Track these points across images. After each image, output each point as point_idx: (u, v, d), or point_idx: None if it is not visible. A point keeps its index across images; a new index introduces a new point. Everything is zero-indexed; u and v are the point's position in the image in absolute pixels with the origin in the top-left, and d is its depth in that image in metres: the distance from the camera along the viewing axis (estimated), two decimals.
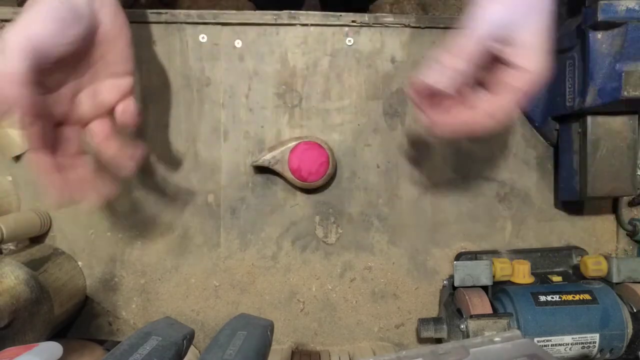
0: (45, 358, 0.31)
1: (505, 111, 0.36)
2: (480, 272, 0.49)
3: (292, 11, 0.52)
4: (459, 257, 0.54)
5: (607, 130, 0.48)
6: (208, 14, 0.51)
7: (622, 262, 0.50)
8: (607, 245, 0.56)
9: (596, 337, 0.45)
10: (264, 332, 0.33)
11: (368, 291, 0.54)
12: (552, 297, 0.47)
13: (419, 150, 0.54)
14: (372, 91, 0.54)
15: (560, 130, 0.52)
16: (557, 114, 0.51)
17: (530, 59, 0.34)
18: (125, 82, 0.40)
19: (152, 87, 0.52)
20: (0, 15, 0.50)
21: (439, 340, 0.52)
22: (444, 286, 0.54)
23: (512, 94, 0.35)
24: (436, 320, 0.50)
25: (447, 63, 0.35)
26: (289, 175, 0.50)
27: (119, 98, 0.40)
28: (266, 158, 0.50)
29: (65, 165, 0.37)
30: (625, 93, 0.43)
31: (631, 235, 0.56)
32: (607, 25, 0.43)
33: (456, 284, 0.50)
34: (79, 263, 0.52)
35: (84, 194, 0.38)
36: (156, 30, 0.52)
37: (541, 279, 0.52)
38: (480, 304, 0.47)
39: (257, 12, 0.52)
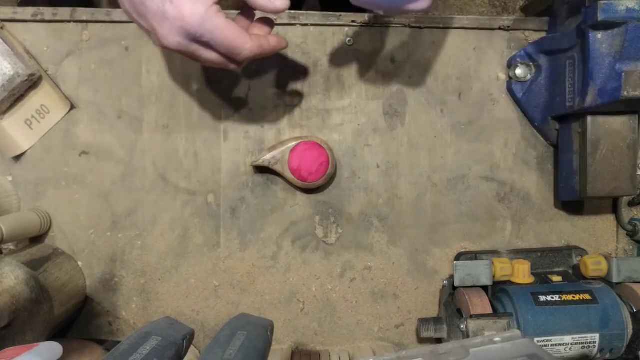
0: (45, 358, 0.31)
1: None
2: (480, 272, 0.49)
3: (292, 11, 0.52)
4: (459, 257, 0.54)
5: (607, 130, 0.48)
6: None
7: (622, 262, 0.50)
8: (607, 245, 0.56)
9: (596, 337, 0.45)
10: (264, 332, 0.33)
11: (368, 291, 0.54)
12: (552, 297, 0.47)
13: (419, 149, 0.54)
14: (372, 91, 0.54)
15: (560, 130, 0.52)
16: (557, 114, 0.51)
17: None
18: None
19: (152, 87, 0.52)
20: (0, 15, 0.50)
21: (439, 340, 0.52)
22: (444, 286, 0.54)
23: None
24: (436, 320, 0.50)
25: None
26: (289, 175, 0.50)
27: None
28: (266, 158, 0.50)
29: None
30: (625, 93, 0.43)
31: (631, 235, 0.56)
32: (607, 25, 0.43)
33: (456, 284, 0.50)
34: (79, 263, 0.52)
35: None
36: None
37: (541, 279, 0.52)
38: (480, 304, 0.47)
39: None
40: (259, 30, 0.42)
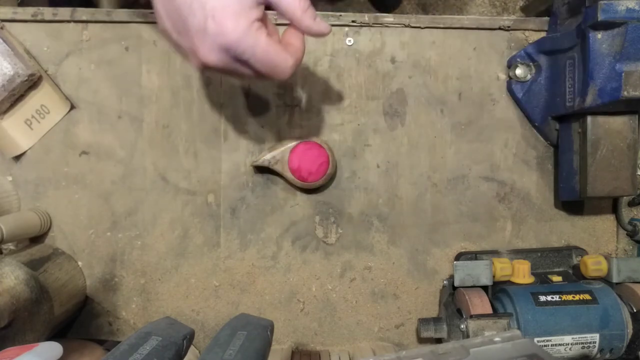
0: (45, 358, 0.31)
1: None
2: (480, 272, 0.49)
3: None
4: (459, 257, 0.54)
5: (607, 130, 0.48)
6: None
7: (622, 262, 0.50)
8: (607, 245, 0.56)
9: (596, 337, 0.45)
10: (264, 332, 0.33)
11: (368, 291, 0.54)
12: (552, 297, 0.47)
13: (419, 150, 0.54)
14: (372, 91, 0.54)
15: (560, 130, 0.52)
16: (557, 114, 0.51)
17: None
18: None
19: (152, 87, 0.52)
20: (0, 15, 0.50)
21: (439, 340, 0.52)
22: (444, 286, 0.54)
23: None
24: (436, 320, 0.50)
25: None
26: (289, 175, 0.50)
27: None
28: (266, 158, 0.50)
29: None
30: (625, 93, 0.43)
31: (631, 235, 0.56)
32: (607, 25, 0.43)
33: (456, 284, 0.50)
34: (79, 263, 0.52)
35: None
36: (156, 30, 0.52)
37: (541, 279, 0.52)
38: (480, 304, 0.47)
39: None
40: (294, 37, 0.39)
